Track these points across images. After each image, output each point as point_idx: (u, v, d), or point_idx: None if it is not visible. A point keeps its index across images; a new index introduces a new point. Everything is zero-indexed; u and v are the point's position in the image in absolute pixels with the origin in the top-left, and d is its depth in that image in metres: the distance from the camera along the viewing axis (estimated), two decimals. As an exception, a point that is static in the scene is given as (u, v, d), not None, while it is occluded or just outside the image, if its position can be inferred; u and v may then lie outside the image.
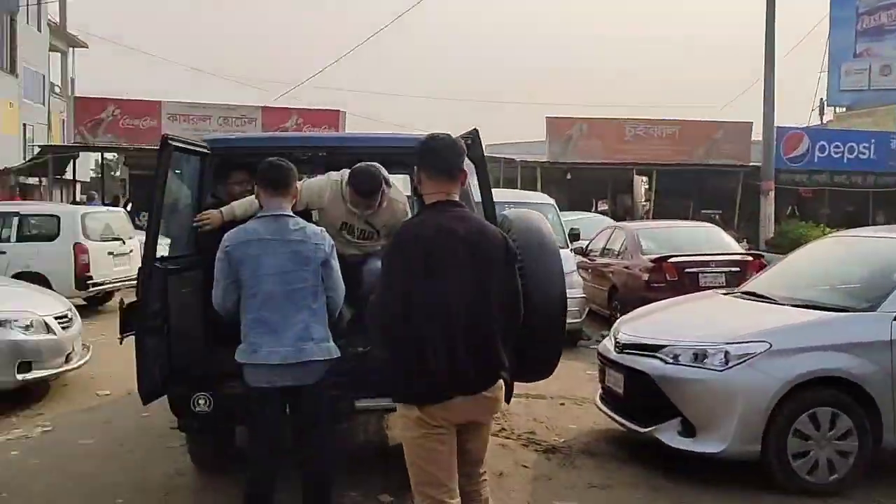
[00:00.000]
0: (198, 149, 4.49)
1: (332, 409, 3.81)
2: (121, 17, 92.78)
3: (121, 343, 3.98)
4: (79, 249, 11.20)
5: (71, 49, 41.10)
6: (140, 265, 3.96)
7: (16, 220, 11.41)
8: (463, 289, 2.81)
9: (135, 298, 3.97)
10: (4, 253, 11.11)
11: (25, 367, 6.57)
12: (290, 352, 3.50)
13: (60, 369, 6.94)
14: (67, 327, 7.13)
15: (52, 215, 11.66)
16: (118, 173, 33.56)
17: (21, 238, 11.32)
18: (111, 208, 13.24)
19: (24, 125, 33.13)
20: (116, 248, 12.06)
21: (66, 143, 22.57)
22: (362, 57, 46.47)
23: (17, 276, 11.00)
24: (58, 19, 38.62)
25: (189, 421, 4.14)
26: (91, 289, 11.36)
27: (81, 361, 7.22)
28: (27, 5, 33.17)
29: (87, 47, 41.81)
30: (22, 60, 32.92)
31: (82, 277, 11.20)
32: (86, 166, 34.07)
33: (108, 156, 24.41)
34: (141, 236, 14.61)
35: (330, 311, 3.69)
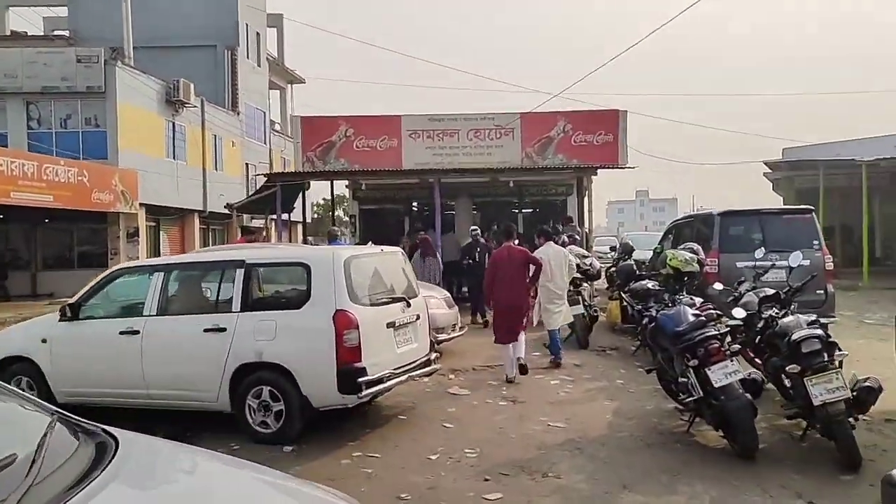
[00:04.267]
0: None
1: None
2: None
3: None
4: (342, 322, 6.23)
5: (289, 85, 39.21)
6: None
7: (240, 273, 6.68)
8: None
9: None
10: (224, 330, 6.44)
11: None
12: None
13: None
14: None
15: (297, 263, 6.78)
16: (344, 209, 30.44)
17: (248, 305, 6.58)
18: (385, 248, 8.00)
19: (247, 164, 30.81)
20: (397, 314, 6.99)
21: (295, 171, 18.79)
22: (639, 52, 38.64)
23: (242, 370, 6.34)
24: (276, 55, 36.69)
25: None
26: (364, 391, 6.32)
27: None
28: (247, 41, 31.07)
29: (305, 82, 39.79)
30: (243, 97, 30.80)
31: (349, 372, 6.21)
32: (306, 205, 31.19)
33: (337, 190, 20.54)
34: (427, 291, 9.47)
35: None
